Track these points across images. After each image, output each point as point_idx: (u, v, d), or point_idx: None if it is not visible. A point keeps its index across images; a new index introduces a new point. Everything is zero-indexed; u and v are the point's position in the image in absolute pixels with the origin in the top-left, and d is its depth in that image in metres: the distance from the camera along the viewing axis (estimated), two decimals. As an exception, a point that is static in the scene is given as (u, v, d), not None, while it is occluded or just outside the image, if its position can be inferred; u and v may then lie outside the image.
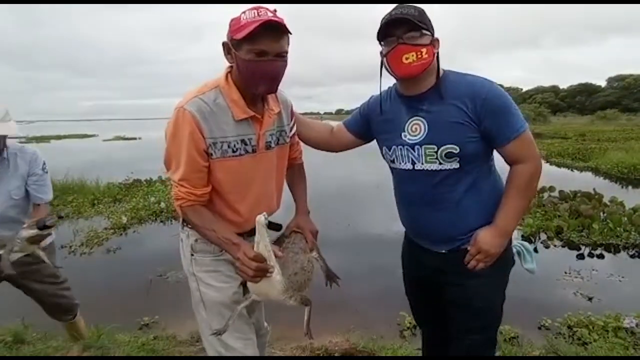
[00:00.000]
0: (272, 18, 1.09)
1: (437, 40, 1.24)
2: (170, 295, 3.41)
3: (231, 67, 1.23)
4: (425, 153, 1.26)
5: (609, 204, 5.80)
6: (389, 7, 1.23)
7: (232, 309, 1.28)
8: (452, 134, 1.22)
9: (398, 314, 2.99)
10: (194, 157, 1.18)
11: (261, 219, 1.07)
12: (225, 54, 1.20)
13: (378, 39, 1.26)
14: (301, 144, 1.55)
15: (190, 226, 1.31)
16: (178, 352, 2.37)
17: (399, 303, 3.25)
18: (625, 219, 5.01)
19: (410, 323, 2.87)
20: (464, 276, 1.31)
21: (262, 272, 1.11)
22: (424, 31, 1.20)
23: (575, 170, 10.59)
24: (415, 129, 1.28)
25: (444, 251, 1.35)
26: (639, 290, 3.45)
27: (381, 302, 3.35)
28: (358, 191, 8.06)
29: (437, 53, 1.24)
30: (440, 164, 1.25)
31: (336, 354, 2.25)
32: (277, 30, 1.11)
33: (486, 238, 1.25)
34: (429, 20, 1.23)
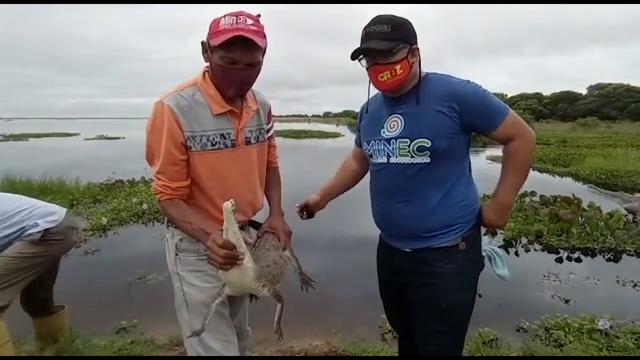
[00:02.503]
0: (246, 32, 1.12)
1: (416, 48, 1.29)
2: (150, 299, 3.34)
3: (208, 66, 1.28)
4: (399, 147, 1.31)
5: (587, 208, 5.94)
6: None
7: (217, 312, 1.27)
8: (426, 129, 1.27)
9: (380, 317, 2.98)
10: (170, 150, 1.21)
11: (228, 205, 1.04)
12: (202, 52, 1.26)
13: (354, 58, 1.30)
14: (278, 148, 1.62)
15: (174, 225, 1.31)
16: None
17: (381, 306, 3.27)
18: (602, 223, 5.14)
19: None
20: (430, 276, 1.33)
21: (231, 259, 1.07)
22: (400, 45, 1.24)
23: (556, 176, 10.82)
24: (393, 125, 1.34)
25: (409, 249, 1.38)
26: (613, 293, 3.54)
27: (363, 305, 3.34)
28: (344, 194, 8.06)
29: (418, 59, 1.30)
30: (412, 157, 1.29)
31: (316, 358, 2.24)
32: (249, 43, 1.14)
33: (490, 216, 1.36)
34: (407, 28, 1.26)
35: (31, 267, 1.88)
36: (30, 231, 1.85)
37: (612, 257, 4.48)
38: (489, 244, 1.47)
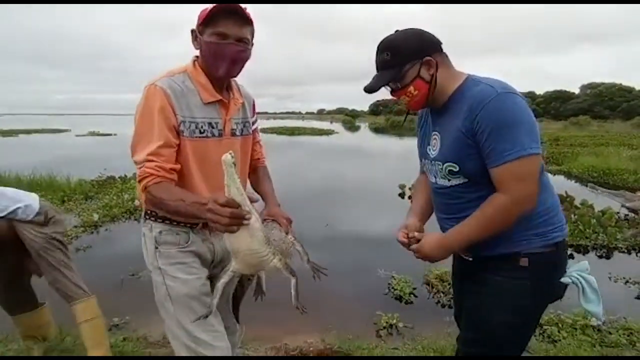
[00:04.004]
0: (232, 4, 1.16)
1: (429, 60, 1.18)
2: (143, 295, 3.29)
3: (197, 56, 1.29)
4: (437, 169, 1.25)
5: (579, 206, 5.99)
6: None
7: (201, 300, 1.26)
8: (452, 150, 1.17)
9: (374, 313, 2.99)
10: (165, 132, 1.18)
11: (227, 157, 0.90)
12: (192, 41, 1.27)
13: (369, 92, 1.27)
14: (264, 147, 1.61)
15: (153, 218, 1.29)
16: (148, 353, 2.29)
17: (376, 302, 3.28)
18: (594, 221, 5.17)
19: (386, 322, 2.88)
20: (480, 284, 1.24)
21: (238, 219, 0.95)
22: (407, 66, 1.18)
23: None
24: (434, 143, 1.28)
25: (469, 258, 1.28)
26: (605, 290, 3.54)
27: (357, 301, 3.35)
28: (337, 190, 8.07)
29: (435, 72, 1.18)
30: (448, 180, 1.23)
31: (311, 355, 2.22)
32: (236, 14, 1.17)
33: (430, 243, 1.24)
34: (408, 47, 1.18)
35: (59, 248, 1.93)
36: (28, 213, 1.84)
37: (604, 254, 4.52)
38: (579, 270, 1.22)
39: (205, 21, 1.18)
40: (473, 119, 1.10)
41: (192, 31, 1.25)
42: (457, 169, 1.17)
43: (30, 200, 1.90)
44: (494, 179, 1.12)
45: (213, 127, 1.28)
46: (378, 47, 1.23)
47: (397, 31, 1.23)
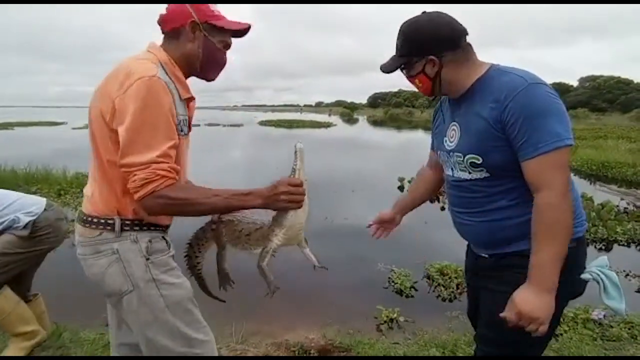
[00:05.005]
0: (247, 27, 1.24)
1: (431, 60, 1.14)
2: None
3: (164, 46, 1.21)
4: (456, 161, 1.20)
5: (578, 199, 5.99)
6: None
7: (192, 300, 1.24)
8: (475, 142, 1.12)
9: (375, 308, 2.97)
10: (174, 131, 1.10)
11: (301, 145, 1.15)
12: (186, 32, 1.18)
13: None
14: None
15: (137, 227, 1.17)
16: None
17: (376, 296, 3.26)
18: (594, 214, 5.17)
19: (387, 317, 2.87)
20: (496, 281, 1.19)
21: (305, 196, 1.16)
22: (414, 59, 1.17)
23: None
24: (452, 134, 1.22)
25: (485, 255, 1.25)
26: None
27: (357, 295, 3.33)
28: (336, 183, 8.04)
29: (439, 70, 1.15)
30: (469, 172, 1.18)
31: (312, 351, 2.20)
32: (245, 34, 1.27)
33: (524, 298, 1.05)
34: (420, 39, 1.15)
35: (20, 261, 1.97)
36: (15, 225, 1.92)
37: (603, 247, 4.52)
38: (599, 266, 1.18)
39: (219, 28, 1.19)
40: (503, 110, 1.05)
41: (193, 23, 1.16)
42: (480, 160, 1.12)
43: (23, 213, 1.95)
44: (528, 172, 1.05)
45: (184, 125, 1.21)
46: (400, 27, 1.20)
47: (423, 13, 1.18)
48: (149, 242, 1.18)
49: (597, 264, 1.18)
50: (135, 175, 1.03)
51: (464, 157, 1.16)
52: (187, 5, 1.16)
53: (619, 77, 63.74)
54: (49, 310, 2.32)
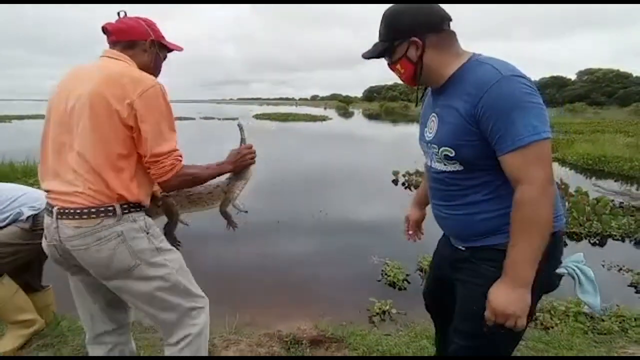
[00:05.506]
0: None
1: (414, 42, 1.12)
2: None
3: (121, 52, 1.37)
4: (433, 152, 1.20)
5: (574, 194, 6.00)
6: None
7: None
8: (450, 134, 1.12)
9: (367, 300, 2.99)
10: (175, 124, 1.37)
11: (241, 122, 1.63)
12: (141, 45, 1.40)
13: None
14: None
15: (135, 209, 1.30)
16: (143, 338, 2.27)
17: (369, 289, 3.28)
18: (589, 208, 5.19)
19: (379, 309, 2.89)
20: (472, 274, 1.19)
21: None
22: (395, 42, 1.15)
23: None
24: (432, 126, 1.21)
25: (462, 247, 1.25)
26: (599, 277, 3.53)
27: (350, 287, 3.36)
28: (330, 178, 8.04)
29: (421, 53, 1.13)
30: (444, 164, 1.18)
31: (304, 341, 2.21)
32: None
33: (498, 294, 1.06)
34: (401, 21, 1.13)
35: (22, 252, 2.00)
36: (20, 218, 1.98)
37: (597, 242, 4.53)
38: (574, 261, 1.19)
39: (165, 46, 1.48)
40: (476, 104, 1.04)
41: (152, 41, 1.41)
42: (453, 154, 1.12)
43: (27, 207, 2.01)
44: (507, 167, 1.04)
45: None
46: (382, 14, 1.18)
47: None
48: (144, 219, 1.32)
49: (573, 259, 1.19)
50: (163, 162, 1.25)
51: (438, 149, 1.16)
52: (142, 22, 1.40)
53: (618, 70, 63.63)
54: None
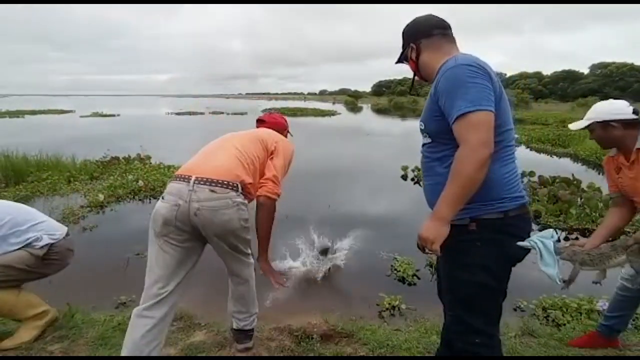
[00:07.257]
0: None
1: (412, 47, 1.48)
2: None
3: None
4: (420, 128, 1.45)
5: (586, 189, 5.92)
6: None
7: None
8: (425, 111, 1.39)
9: (377, 295, 3.00)
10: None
11: None
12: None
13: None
14: None
15: (242, 192, 1.73)
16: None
17: (378, 284, 3.28)
18: (601, 204, 5.12)
19: (389, 304, 2.90)
20: (444, 249, 1.29)
21: None
22: (407, 49, 1.50)
23: (554, 156, 10.79)
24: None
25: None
26: (612, 274, 3.54)
27: (359, 282, 3.36)
28: (339, 173, 8.04)
29: (417, 56, 1.47)
30: (423, 138, 1.45)
31: (314, 335, 2.23)
32: None
33: (423, 225, 1.28)
34: (408, 31, 1.49)
35: (22, 278, 2.05)
36: (34, 244, 2.01)
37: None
38: (541, 236, 1.33)
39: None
40: (436, 85, 1.31)
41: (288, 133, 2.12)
42: (424, 127, 1.40)
43: (47, 234, 2.07)
44: (455, 135, 1.24)
45: None
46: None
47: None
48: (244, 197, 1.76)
49: (540, 234, 1.34)
50: (269, 184, 1.83)
51: (420, 125, 1.43)
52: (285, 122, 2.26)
53: (632, 63, 61.91)
54: (62, 292, 2.46)
